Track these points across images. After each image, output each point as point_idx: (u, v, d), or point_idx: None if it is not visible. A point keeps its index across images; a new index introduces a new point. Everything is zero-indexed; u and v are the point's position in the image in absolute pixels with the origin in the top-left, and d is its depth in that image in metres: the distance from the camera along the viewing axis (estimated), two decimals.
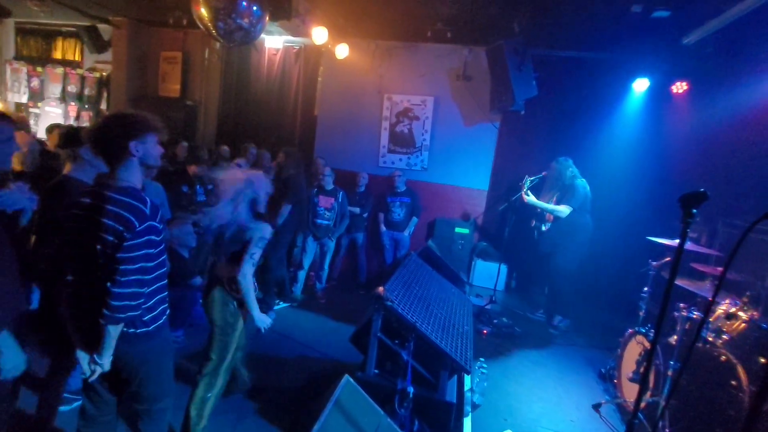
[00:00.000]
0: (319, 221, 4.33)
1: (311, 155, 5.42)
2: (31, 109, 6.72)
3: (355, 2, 4.00)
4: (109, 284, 1.37)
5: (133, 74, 6.13)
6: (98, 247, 1.39)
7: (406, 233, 4.93)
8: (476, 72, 4.93)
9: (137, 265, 1.39)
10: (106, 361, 1.44)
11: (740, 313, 2.36)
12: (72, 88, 6.56)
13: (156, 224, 1.43)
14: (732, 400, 2.38)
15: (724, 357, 2.51)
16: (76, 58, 6.64)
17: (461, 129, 5.19)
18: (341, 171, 5.05)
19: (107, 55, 6.26)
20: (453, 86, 5.10)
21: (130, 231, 1.37)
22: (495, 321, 4.01)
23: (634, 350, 2.86)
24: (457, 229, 5.16)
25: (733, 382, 2.39)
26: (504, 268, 5.14)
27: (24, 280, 1.69)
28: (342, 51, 4.84)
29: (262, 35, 5.46)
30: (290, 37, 5.42)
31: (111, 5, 5.37)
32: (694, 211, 1.11)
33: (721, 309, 2.48)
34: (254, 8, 2.76)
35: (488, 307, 4.35)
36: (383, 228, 4.97)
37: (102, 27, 6.07)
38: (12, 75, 6.83)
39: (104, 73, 6.44)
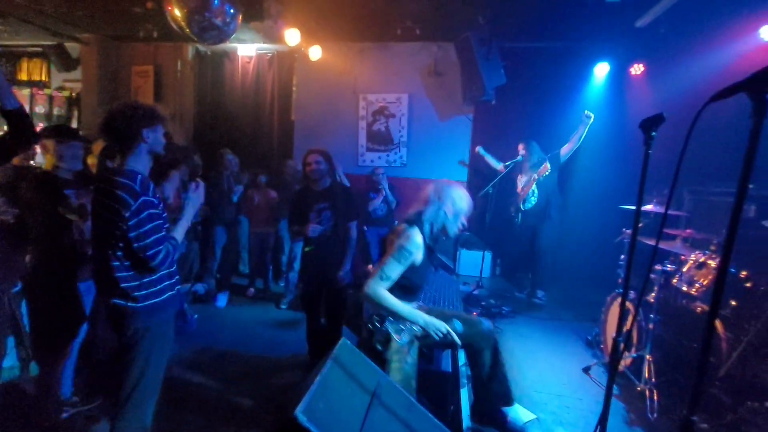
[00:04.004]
0: None
1: (290, 159, 5.45)
2: None
3: (324, 4, 4.11)
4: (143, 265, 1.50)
5: (104, 91, 6.05)
6: (107, 226, 1.48)
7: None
8: (446, 68, 5.10)
9: (151, 238, 1.47)
10: None
11: (709, 262, 2.51)
12: (40, 109, 6.41)
13: (150, 198, 1.48)
14: (712, 349, 2.51)
15: (699, 309, 2.66)
16: (43, 78, 6.52)
17: (437, 123, 5.34)
18: None
19: (76, 73, 6.17)
20: (425, 83, 5.26)
21: (127, 209, 1.44)
22: (483, 303, 4.09)
23: (616, 313, 2.98)
24: None
25: None
26: (488, 255, 5.25)
27: None
28: (315, 53, 4.94)
29: (235, 44, 5.55)
30: (263, 45, 5.49)
31: (79, 22, 5.33)
32: (653, 133, 1.22)
33: (691, 259, 2.62)
34: (227, 6, 2.83)
35: (476, 292, 4.43)
36: (364, 227, 4.98)
37: (69, 45, 6.00)
38: None
39: (74, 92, 6.34)
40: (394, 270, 1.73)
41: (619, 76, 4.57)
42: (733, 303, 2.43)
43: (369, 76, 5.34)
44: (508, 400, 2.21)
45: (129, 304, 1.50)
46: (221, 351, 3.16)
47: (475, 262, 5.15)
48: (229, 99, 5.84)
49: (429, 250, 1.88)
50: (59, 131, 2.11)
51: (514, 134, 4.99)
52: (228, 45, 5.47)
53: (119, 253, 1.49)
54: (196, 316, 3.78)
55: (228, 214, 4.50)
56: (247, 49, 5.61)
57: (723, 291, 0.84)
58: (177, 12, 2.76)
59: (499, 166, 4.68)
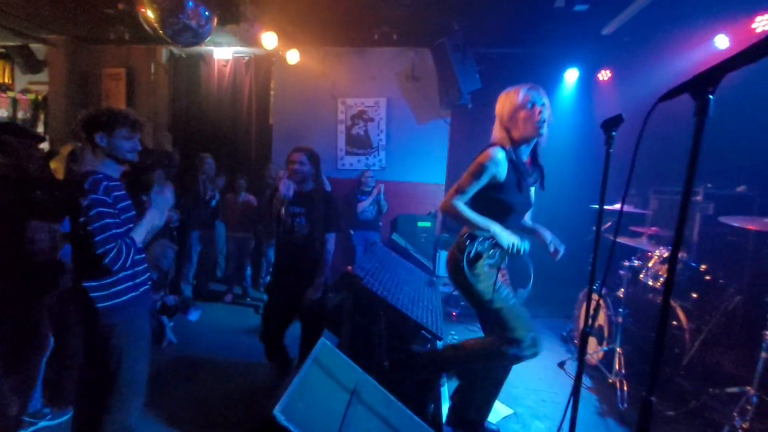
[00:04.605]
0: None
1: (269, 164, 5.41)
2: None
3: (301, 8, 4.12)
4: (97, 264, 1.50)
5: (73, 94, 5.86)
6: (72, 226, 1.55)
7: (377, 232, 4.98)
8: (423, 73, 5.18)
9: (100, 236, 1.46)
10: None
11: None
12: (2, 113, 6.15)
13: (101, 197, 1.49)
14: (675, 340, 2.64)
15: None
16: (6, 81, 6.25)
17: (415, 127, 5.41)
18: None
19: (42, 76, 5.96)
20: (403, 87, 5.32)
21: (78, 208, 1.47)
22: (462, 303, 4.16)
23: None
24: (420, 224, 5.31)
25: (675, 323, 2.66)
26: None
27: None
28: (293, 56, 4.93)
29: (211, 47, 5.48)
30: (239, 48, 5.45)
31: (45, 23, 5.15)
32: (614, 133, 1.29)
33: (656, 255, 2.76)
34: (202, 9, 2.80)
35: (455, 292, 4.49)
36: (351, 230, 4.97)
37: (34, 46, 5.79)
38: None
39: (39, 95, 6.11)
40: (470, 184, 1.78)
41: (587, 81, 4.76)
42: (694, 295, 2.56)
43: (347, 80, 5.37)
44: (485, 415, 2.20)
45: (90, 303, 1.51)
46: (199, 359, 3.10)
47: None
48: (205, 103, 5.75)
49: (515, 166, 1.82)
50: (11, 129, 2.07)
51: (490, 136, 5.10)
52: (204, 48, 5.41)
53: (81, 252, 1.52)
54: (171, 323, 3.70)
55: (204, 219, 4.42)
56: (223, 53, 5.55)
57: (674, 273, 0.90)
58: (150, 14, 2.72)
59: None
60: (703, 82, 0.79)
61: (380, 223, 5.06)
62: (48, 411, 2.29)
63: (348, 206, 5.07)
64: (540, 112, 1.80)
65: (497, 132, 1.91)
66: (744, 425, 2.11)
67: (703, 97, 0.79)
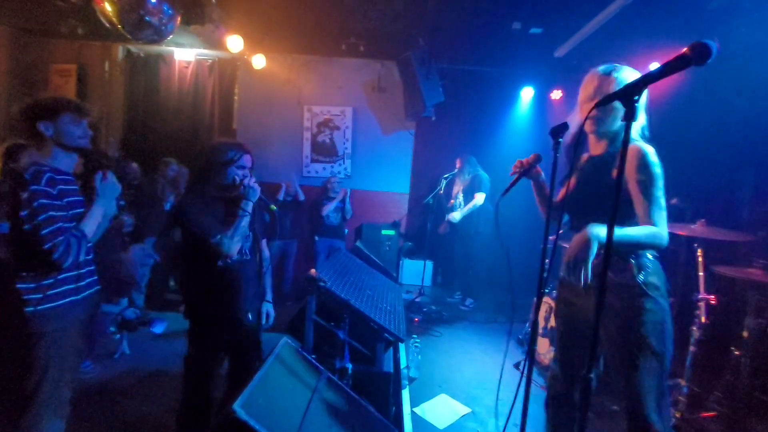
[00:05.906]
0: None
1: None
2: None
3: (269, 14, 4.13)
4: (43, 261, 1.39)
5: (15, 90, 5.46)
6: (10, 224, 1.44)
7: (342, 240, 4.96)
8: (389, 84, 5.32)
9: (46, 230, 1.37)
10: None
11: None
12: None
13: (43, 188, 1.39)
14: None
15: None
16: None
17: (380, 137, 5.51)
18: (265, 183, 4.99)
19: None
20: (369, 97, 5.43)
21: (18, 201, 1.38)
22: (424, 309, 4.24)
23: (542, 310, 3.25)
24: (384, 232, 5.37)
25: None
26: (429, 264, 5.45)
27: None
28: (259, 61, 4.90)
29: (172, 47, 5.33)
30: (203, 50, 5.34)
31: None
32: (560, 139, 1.41)
33: None
34: (165, 6, 2.74)
35: (418, 299, 4.57)
36: (315, 237, 4.92)
37: None
38: None
39: None
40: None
41: (542, 99, 5.09)
42: None
43: (314, 88, 5.41)
44: None
45: (23, 307, 1.40)
46: (154, 370, 2.95)
47: (417, 271, 5.31)
48: (164, 105, 5.55)
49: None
50: None
51: (452, 148, 5.31)
52: (164, 48, 5.26)
53: (19, 251, 1.41)
54: (117, 335, 3.48)
55: (160, 225, 4.23)
56: (185, 54, 5.42)
57: (607, 271, 0.99)
58: (108, 7, 2.63)
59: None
60: (630, 92, 0.91)
61: (345, 231, 5.07)
62: None
63: (314, 213, 5.04)
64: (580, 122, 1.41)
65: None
66: (677, 414, 2.30)
67: (630, 103, 0.91)
